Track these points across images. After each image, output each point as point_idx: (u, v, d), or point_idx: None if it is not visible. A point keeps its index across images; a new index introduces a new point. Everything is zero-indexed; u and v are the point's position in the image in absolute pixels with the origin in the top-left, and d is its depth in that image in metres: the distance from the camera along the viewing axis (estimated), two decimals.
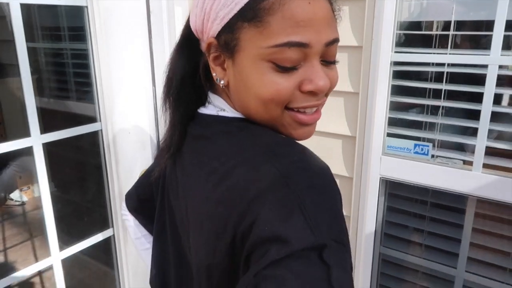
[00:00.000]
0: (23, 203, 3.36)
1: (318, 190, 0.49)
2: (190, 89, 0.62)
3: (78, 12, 1.12)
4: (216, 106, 0.61)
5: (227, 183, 0.52)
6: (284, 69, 0.51)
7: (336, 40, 0.54)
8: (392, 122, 1.19)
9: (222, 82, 0.58)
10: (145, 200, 0.81)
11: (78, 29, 1.16)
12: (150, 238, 0.84)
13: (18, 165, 3.17)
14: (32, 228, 2.98)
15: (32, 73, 1.02)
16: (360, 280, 1.36)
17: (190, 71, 0.62)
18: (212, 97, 0.61)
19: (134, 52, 1.19)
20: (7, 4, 0.95)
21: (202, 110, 0.63)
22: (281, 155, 0.52)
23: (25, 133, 1.02)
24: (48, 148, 1.08)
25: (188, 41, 0.62)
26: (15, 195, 3.33)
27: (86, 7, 1.09)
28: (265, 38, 0.51)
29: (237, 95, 0.57)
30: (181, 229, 0.66)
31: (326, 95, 0.58)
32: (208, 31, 0.56)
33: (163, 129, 0.70)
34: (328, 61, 0.55)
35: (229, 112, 0.60)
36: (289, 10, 0.50)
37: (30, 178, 3.45)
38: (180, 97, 0.62)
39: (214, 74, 0.58)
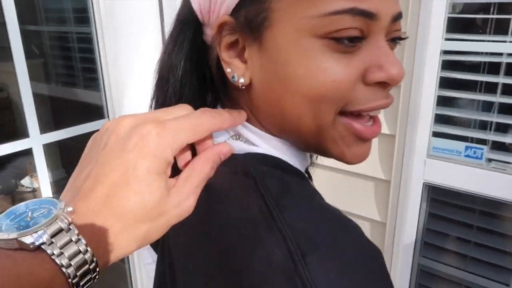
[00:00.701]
0: (34, 190, 3.34)
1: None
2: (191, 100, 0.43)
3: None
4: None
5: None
6: (344, 48, 0.35)
7: (400, 15, 0.39)
8: (439, 120, 1.04)
9: (241, 80, 0.39)
10: None
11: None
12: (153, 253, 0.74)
13: (27, 151, 3.13)
14: None
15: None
16: (397, 285, 1.24)
17: (190, 74, 0.43)
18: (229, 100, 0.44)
19: (141, 46, 1.06)
20: None
21: None
22: (305, 243, 0.32)
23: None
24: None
25: (186, 30, 0.43)
26: (25, 181, 3.30)
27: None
28: (316, 1, 0.35)
29: (267, 98, 0.40)
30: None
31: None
32: (219, 6, 0.39)
33: None
34: (394, 40, 0.40)
35: (243, 137, 0.42)
36: None
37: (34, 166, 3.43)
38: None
39: (228, 70, 0.40)
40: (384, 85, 0.37)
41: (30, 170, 3.35)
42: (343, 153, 0.40)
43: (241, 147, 0.41)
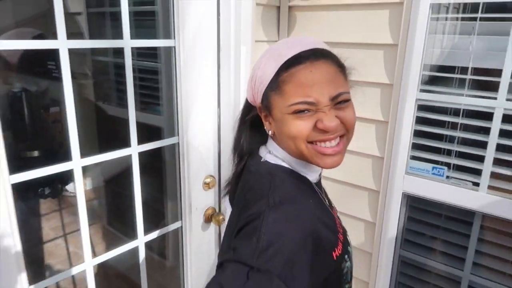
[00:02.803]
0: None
1: (283, 233, 0.68)
2: (253, 138, 0.90)
3: (167, 51, 1.42)
4: (268, 147, 0.86)
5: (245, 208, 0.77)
6: (301, 116, 0.73)
7: (341, 94, 0.73)
8: (415, 147, 1.44)
9: (270, 131, 0.83)
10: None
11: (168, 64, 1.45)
12: None
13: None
14: (94, 216, 3.33)
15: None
16: (382, 277, 1.61)
17: (252, 127, 0.90)
18: (269, 141, 0.87)
19: (205, 81, 1.48)
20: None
21: (261, 149, 0.88)
22: (275, 204, 0.73)
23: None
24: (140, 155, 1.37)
25: (248, 108, 0.90)
26: (70, 187, 3.70)
27: (174, 47, 1.39)
28: (284, 100, 0.74)
29: (279, 138, 0.82)
30: None
31: (348, 131, 0.77)
32: (257, 100, 0.83)
33: (223, 147, 0.98)
34: (339, 103, 0.74)
35: (271, 154, 0.84)
36: (297, 79, 0.72)
37: (83, 172, 3.83)
38: (244, 147, 0.90)
39: (266, 127, 0.84)
40: (324, 131, 0.73)
41: None
42: (319, 163, 0.77)
43: (271, 158, 0.84)
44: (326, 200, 0.91)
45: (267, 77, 0.77)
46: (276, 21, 1.63)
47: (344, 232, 0.89)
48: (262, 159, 0.85)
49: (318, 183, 0.91)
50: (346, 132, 0.77)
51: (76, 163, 1.18)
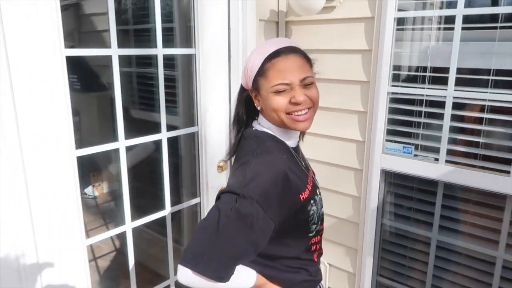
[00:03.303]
0: (95, 197, 4.05)
1: (261, 172, 0.97)
2: (248, 113, 1.16)
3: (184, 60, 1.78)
4: (258, 120, 1.12)
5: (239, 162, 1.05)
6: (280, 94, 1.01)
7: (307, 77, 1.01)
8: (389, 132, 1.78)
9: (259, 107, 1.10)
10: None
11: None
12: None
13: (91, 165, 3.88)
14: (105, 217, 3.65)
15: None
16: (367, 244, 1.93)
17: (246, 104, 1.15)
18: (259, 115, 1.12)
19: (219, 82, 1.84)
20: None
21: (253, 122, 1.14)
22: (258, 154, 1.01)
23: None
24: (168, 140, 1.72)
25: (243, 91, 1.16)
26: (88, 190, 4.02)
27: (195, 54, 1.75)
28: (268, 83, 1.02)
29: (265, 112, 1.07)
30: None
31: (314, 104, 1.04)
32: (248, 84, 1.10)
33: (233, 136, 1.28)
34: (307, 85, 1.02)
35: (260, 125, 1.10)
36: (277, 67, 1.01)
37: (101, 176, 4.16)
38: (241, 120, 1.17)
39: (255, 104, 1.10)
40: (297, 103, 0.99)
41: (94, 181, 4.08)
42: (295, 127, 1.03)
43: (259, 127, 1.10)
44: (303, 162, 1.17)
45: (255, 67, 1.05)
46: (275, 33, 1.99)
47: (314, 186, 1.14)
48: (253, 128, 1.13)
49: (296, 148, 1.18)
50: (312, 105, 1.05)
51: (121, 143, 1.53)
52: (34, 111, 1.18)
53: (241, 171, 0.99)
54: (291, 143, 1.14)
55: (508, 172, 1.50)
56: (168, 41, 1.94)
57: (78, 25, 3.16)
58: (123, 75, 1.50)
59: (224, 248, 0.92)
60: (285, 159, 1.05)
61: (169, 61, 2.07)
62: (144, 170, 2.42)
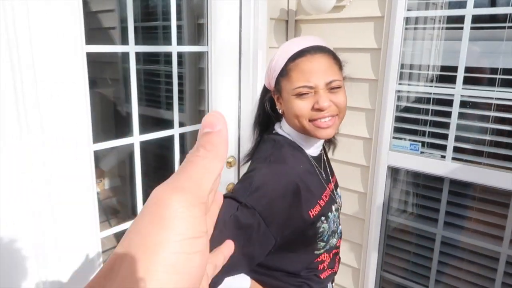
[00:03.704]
0: (97, 194, 4.06)
1: (269, 182, 0.90)
2: (269, 116, 1.12)
3: (200, 55, 1.81)
4: (281, 123, 1.08)
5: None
6: (303, 97, 0.96)
7: (333, 81, 0.95)
8: (396, 130, 1.82)
9: (280, 110, 1.05)
10: None
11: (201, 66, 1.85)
12: None
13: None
14: (107, 213, 3.66)
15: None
16: (372, 240, 1.96)
17: (269, 106, 1.11)
18: (283, 118, 1.08)
19: (230, 79, 1.87)
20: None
21: (276, 125, 1.10)
22: (270, 161, 0.96)
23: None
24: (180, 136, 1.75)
25: (266, 91, 1.13)
26: None
27: (207, 52, 1.78)
28: (291, 85, 0.97)
29: (287, 116, 1.03)
30: None
31: (340, 111, 0.98)
32: (271, 84, 1.06)
33: (242, 133, 1.30)
34: (333, 88, 0.96)
35: (281, 129, 1.06)
36: (300, 68, 0.95)
37: (102, 172, 4.18)
38: (263, 122, 1.15)
39: (277, 107, 1.06)
40: (320, 110, 0.94)
41: (95, 178, 4.08)
42: (316, 135, 0.98)
43: (280, 131, 1.07)
44: (323, 174, 1.09)
45: (278, 67, 1.00)
46: (285, 31, 2.02)
47: (330, 201, 1.05)
48: (274, 131, 1.08)
49: (318, 157, 1.10)
50: (338, 112, 0.98)
51: (136, 138, 1.55)
52: (56, 106, 1.20)
53: (249, 177, 0.92)
54: (312, 151, 1.07)
55: None
56: (178, 39, 1.97)
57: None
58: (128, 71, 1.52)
59: None
60: (300, 169, 0.98)
61: (179, 58, 2.10)
62: (153, 167, 2.44)
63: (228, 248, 0.36)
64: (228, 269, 0.83)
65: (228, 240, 0.37)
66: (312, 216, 0.96)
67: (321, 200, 1.01)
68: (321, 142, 1.09)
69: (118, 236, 2.85)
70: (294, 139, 1.04)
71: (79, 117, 1.27)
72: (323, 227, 1.00)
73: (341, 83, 0.98)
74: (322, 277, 1.08)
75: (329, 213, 1.03)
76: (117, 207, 4.06)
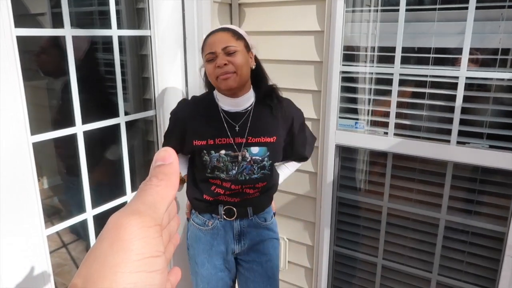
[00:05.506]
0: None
1: (173, 111, 1.48)
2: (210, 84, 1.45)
3: (142, 41, 1.74)
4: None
5: None
6: (209, 62, 1.31)
7: (228, 46, 1.28)
8: (342, 110, 1.88)
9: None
10: None
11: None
12: None
13: None
14: (49, 214, 3.45)
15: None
16: (325, 217, 2.03)
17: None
18: None
19: (175, 63, 1.82)
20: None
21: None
22: (177, 105, 1.46)
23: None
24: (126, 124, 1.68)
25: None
26: None
27: (150, 36, 1.72)
28: (203, 55, 1.34)
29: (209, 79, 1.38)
30: None
31: (237, 69, 1.28)
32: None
33: None
34: (228, 53, 1.29)
35: (215, 90, 1.42)
36: (207, 42, 1.32)
37: (40, 171, 3.93)
38: (207, 87, 1.50)
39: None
40: (220, 67, 1.28)
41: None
42: (220, 86, 1.33)
43: (214, 92, 1.43)
44: (238, 128, 1.37)
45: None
46: (229, 14, 2.00)
47: (224, 146, 1.35)
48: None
49: (234, 113, 1.38)
50: (235, 69, 1.29)
51: (79, 128, 1.47)
52: None
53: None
54: (226, 107, 1.39)
55: (449, 141, 1.66)
56: (118, 25, 1.88)
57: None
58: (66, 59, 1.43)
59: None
60: (197, 113, 1.38)
61: (119, 46, 2.01)
62: (99, 158, 2.33)
63: (174, 275, 0.37)
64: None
65: (175, 267, 0.37)
66: (194, 144, 1.36)
67: (211, 140, 1.35)
68: (237, 101, 1.37)
69: (63, 233, 2.67)
70: (215, 96, 1.40)
71: (13, 106, 1.18)
72: (205, 158, 1.36)
73: (236, 48, 1.29)
74: (211, 197, 1.42)
75: (213, 151, 1.35)
76: (60, 206, 3.83)
